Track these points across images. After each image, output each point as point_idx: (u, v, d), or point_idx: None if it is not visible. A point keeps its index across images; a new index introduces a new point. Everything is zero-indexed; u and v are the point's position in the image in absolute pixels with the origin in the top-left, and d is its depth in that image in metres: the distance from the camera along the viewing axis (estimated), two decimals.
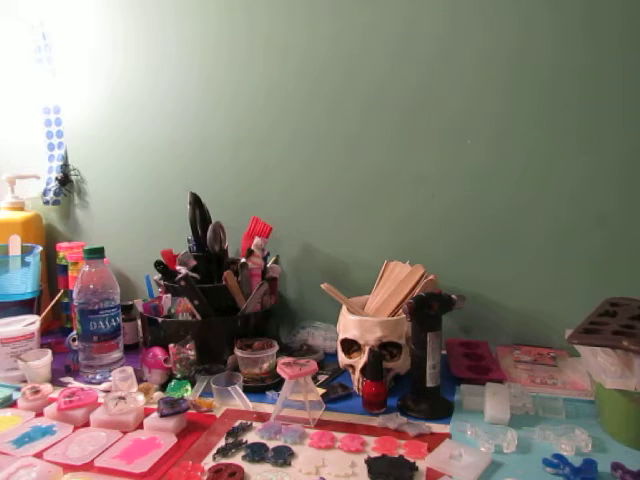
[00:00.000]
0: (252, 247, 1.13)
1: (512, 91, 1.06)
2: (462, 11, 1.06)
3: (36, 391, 0.91)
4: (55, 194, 1.41)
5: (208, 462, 0.72)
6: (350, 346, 0.96)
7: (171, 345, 0.96)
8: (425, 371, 0.85)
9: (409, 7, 1.10)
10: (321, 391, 0.92)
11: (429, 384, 0.85)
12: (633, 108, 1.00)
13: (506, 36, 1.05)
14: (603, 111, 1.02)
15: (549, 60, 1.03)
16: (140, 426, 0.82)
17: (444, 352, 1.02)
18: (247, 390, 0.92)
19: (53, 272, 1.35)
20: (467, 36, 1.07)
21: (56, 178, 1.40)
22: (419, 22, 1.10)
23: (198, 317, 1.03)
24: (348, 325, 0.95)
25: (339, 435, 0.78)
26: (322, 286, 0.99)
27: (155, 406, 0.84)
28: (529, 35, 1.03)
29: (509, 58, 1.05)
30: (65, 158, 1.42)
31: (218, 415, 0.87)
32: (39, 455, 0.74)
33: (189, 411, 0.84)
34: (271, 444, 0.76)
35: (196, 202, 1.12)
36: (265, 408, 0.88)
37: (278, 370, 0.85)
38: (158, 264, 1.10)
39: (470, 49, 1.07)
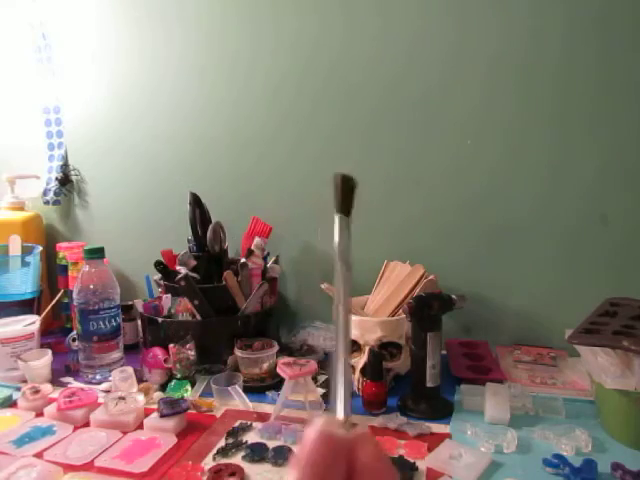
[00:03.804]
0: (252, 247, 1.13)
1: (520, 96, 1.05)
2: (474, 11, 1.06)
3: (36, 391, 0.91)
4: (55, 194, 1.40)
5: (208, 462, 0.72)
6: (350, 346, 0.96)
7: (171, 345, 0.96)
8: (425, 371, 0.85)
9: (419, 10, 1.09)
10: (321, 391, 0.92)
11: (429, 384, 0.85)
12: None
13: (517, 38, 1.04)
14: (614, 114, 1.01)
15: (561, 62, 1.02)
16: (140, 426, 0.82)
17: (444, 352, 1.02)
18: (247, 390, 0.91)
19: (53, 272, 1.35)
20: (479, 36, 1.06)
21: (56, 178, 1.40)
22: (430, 24, 1.09)
23: (198, 317, 1.03)
24: None
25: None
26: (322, 286, 0.99)
27: (155, 406, 0.84)
28: (540, 38, 1.03)
29: (520, 62, 1.04)
30: (65, 158, 1.42)
31: (218, 415, 0.87)
32: (39, 455, 0.74)
33: (189, 411, 0.84)
34: (271, 444, 0.76)
35: (196, 202, 1.12)
36: (265, 408, 0.88)
37: (278, 370, 0.85)
38: (158, 264, 1.10)
39: (482, 50, 1.07)
